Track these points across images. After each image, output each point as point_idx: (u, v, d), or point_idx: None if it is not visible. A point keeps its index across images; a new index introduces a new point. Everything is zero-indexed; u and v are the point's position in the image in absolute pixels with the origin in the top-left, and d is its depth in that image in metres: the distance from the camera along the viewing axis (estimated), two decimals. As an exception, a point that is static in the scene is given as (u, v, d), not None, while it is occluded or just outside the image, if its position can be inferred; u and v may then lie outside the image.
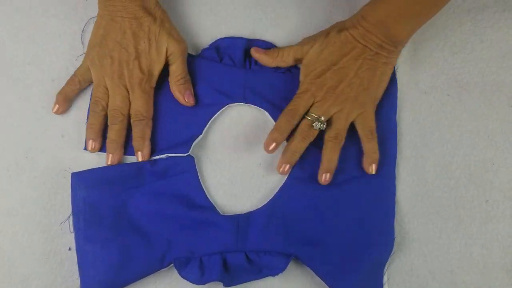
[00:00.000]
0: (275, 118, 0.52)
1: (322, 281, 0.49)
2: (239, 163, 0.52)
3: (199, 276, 0.47)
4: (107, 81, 0.49)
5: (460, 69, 0.56)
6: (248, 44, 0.54)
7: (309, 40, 0.51)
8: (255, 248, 0.48)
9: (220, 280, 0.47)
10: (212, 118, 0.52)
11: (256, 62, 0.53)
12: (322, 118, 0.48)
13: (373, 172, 0.50)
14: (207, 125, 0.52)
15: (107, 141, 0.49)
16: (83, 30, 0.54)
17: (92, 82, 0.50)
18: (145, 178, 0.50)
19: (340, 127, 0.49)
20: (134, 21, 0.48)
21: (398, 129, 0.54)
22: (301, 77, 0.51)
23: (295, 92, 0.51)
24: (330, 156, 0.49)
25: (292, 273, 0.50)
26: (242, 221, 0.49)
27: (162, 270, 0.48)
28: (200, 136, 0.51)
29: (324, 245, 0.49)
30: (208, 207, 0.50)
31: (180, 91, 0.50)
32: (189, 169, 0.50)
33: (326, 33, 0.50)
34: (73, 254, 0.49)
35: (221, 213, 0.50)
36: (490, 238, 0.51)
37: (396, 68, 0.55)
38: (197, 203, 0.50)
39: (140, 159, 0.49)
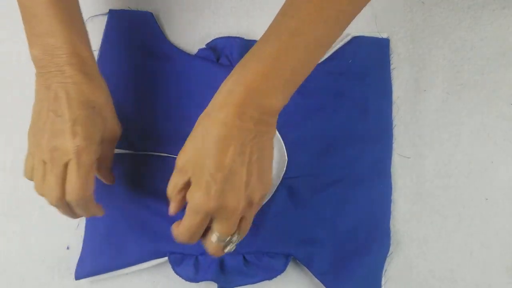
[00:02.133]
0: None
1: (319, 283, 0.48)
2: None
3: (193, 273, 0.47)
4: (43, 157, 0.39)
5: (460, 67, 0.55)
6: (246, 44, 0.53)
7: None
8: (254, 250, 0.48)
9: (215, 280, 0.47)
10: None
11: None
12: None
13: None
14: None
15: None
16: (81, 29, 0.54)
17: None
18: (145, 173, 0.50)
19: None
20: (72, 86, 0.39)
21: (397, 128, 0.54)
22: None
23: None
24: None
25: (288, 275, 0.50)
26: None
27: (159, 263, 0.48)
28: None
29: (321, 245, 0.49)
30: None
31: (106, 176, 0.46)
32: None
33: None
34: (71, 253, 0.49)
35: None
36: (490, 237, 0.51)
37: (393, 67, 0.55)
38: None
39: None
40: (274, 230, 0.49)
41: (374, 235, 0.50)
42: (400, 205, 0.52)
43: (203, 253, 0.47)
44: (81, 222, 0.50)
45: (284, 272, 0.48)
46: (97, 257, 0.48)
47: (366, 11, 0.57)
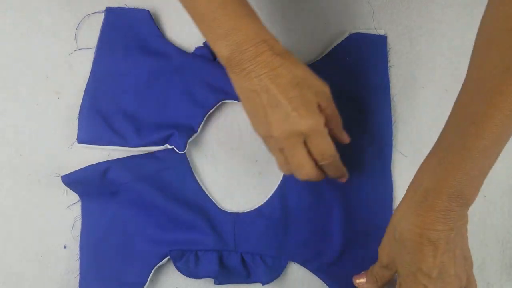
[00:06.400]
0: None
1: (319, 280, 0.48)
2: (235, 160, 0.52)
3: (194, 269, 0.47)
4: (280, 146, 0.43)
5: (458, 63, 0.55)
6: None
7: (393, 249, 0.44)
8: (251, 250, 0.48)
9: (214, 277, 0.47)
10: (207, 115, 0.52)
11: None
12: None
13: None
14: (203, 122, 0.52)
15: None
16: (77, 26, 0.54)
17: None
18: (139, 171, 0.50)
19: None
20: (271, 74, 0.40)
21: (395, 125, 0.54)
22: None
23: None
24: None
25: (288, 274, 0.50)
26: (239, 220, 0.49)
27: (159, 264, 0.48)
28: (196, 134, 0.51)
29: (323, 244, 0.49)
30: (202, 199, 0.50)
31: (340, 135, 0.47)
32: (181, 164, 0.51)
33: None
34: (68, 253, 0.49)
35: (219, 207, 0.50)
36: (488, 234, 0.51)
37: (391, 64, 0.55)
38: (191, 197, 0.50)
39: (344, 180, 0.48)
40: (274, 231, 0.49)
41: (376, 235, 0.50)
42: (398, 203, 0.52)
43: (202, 249, 0.48)
44: (77, 221, 0.49)
45: (284, 270, 0.48)
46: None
47: (363, 8, 0.57)
